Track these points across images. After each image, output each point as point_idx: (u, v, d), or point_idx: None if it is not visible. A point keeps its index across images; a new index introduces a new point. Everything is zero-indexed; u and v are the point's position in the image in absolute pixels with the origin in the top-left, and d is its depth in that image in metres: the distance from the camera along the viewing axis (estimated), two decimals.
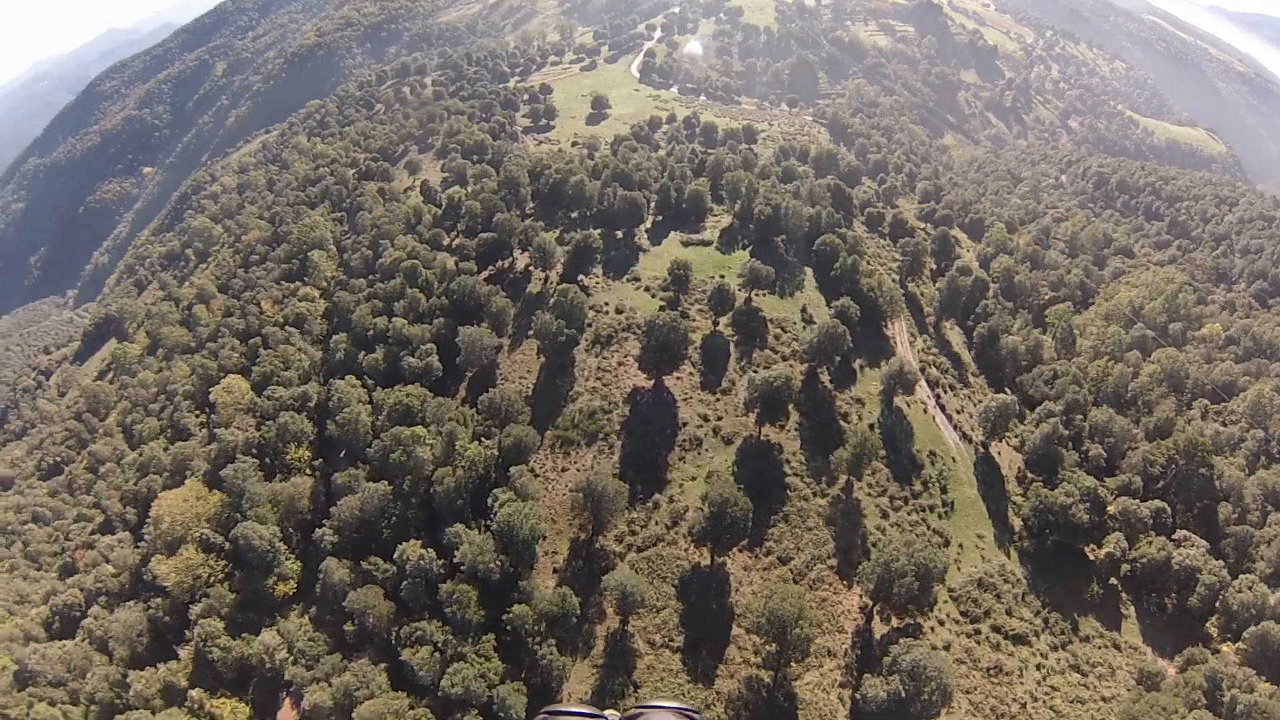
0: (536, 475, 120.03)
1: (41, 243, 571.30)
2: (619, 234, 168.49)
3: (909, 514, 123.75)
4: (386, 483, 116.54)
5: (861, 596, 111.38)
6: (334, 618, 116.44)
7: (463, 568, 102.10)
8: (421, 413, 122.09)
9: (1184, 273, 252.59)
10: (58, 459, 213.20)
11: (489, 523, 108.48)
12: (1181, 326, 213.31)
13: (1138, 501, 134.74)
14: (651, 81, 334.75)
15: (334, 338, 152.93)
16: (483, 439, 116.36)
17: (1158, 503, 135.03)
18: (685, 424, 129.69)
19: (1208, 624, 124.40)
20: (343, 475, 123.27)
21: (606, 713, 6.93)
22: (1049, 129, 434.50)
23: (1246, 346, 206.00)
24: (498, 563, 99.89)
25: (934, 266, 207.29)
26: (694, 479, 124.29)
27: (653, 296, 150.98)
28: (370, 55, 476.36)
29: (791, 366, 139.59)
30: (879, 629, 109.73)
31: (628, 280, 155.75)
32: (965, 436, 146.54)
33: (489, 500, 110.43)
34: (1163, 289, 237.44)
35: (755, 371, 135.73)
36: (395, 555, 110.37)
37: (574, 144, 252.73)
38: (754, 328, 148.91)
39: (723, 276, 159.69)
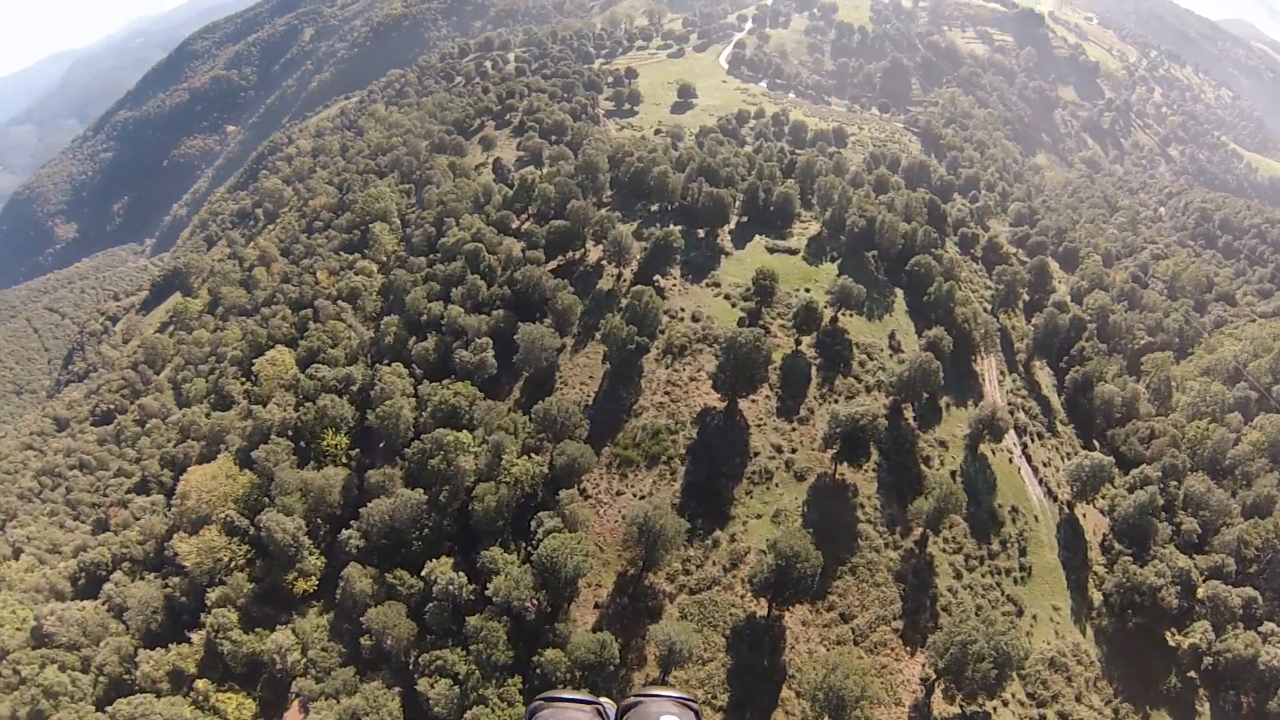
0: (588, 497, 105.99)
1: (126, 192, 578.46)
2: (700, 233, 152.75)
3: (984, 575, 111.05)
4: (422, 490, 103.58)
5: (925, 667, 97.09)
6: (351, 627, 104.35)
7: (495, 600, 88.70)
8: (469, 415, 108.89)
9: None
10: (111, 407, 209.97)
11: (530, 548, 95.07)
12: None
13: (1229, 588, 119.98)
14: (740, 74, 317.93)
15: (385, 319, 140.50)
16: (533, 454, 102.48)
17: (1249, 590, 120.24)
18: (756, 454, 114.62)
19: None
20: (377, 473, 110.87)
21: (601, 699, 6.43)
22: (1147, 155, 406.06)
23: None
24: (534, 602, 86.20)
25: (1026, 298, 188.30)
26: (760, 517, 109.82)
27: (733, 306, 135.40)
28: (455, 29, 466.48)
29: (876, 400, 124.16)
30: (940, 705, 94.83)
31: (707, 285, 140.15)
32: (1050, 493, 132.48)
33: (532, 523, 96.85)
34: (1269, 345, 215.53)
35: (838, 403, 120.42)
36: (423, 571, 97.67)
37: (657, 132, 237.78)
38: (838, 351, 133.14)
39: (808, 290, 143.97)
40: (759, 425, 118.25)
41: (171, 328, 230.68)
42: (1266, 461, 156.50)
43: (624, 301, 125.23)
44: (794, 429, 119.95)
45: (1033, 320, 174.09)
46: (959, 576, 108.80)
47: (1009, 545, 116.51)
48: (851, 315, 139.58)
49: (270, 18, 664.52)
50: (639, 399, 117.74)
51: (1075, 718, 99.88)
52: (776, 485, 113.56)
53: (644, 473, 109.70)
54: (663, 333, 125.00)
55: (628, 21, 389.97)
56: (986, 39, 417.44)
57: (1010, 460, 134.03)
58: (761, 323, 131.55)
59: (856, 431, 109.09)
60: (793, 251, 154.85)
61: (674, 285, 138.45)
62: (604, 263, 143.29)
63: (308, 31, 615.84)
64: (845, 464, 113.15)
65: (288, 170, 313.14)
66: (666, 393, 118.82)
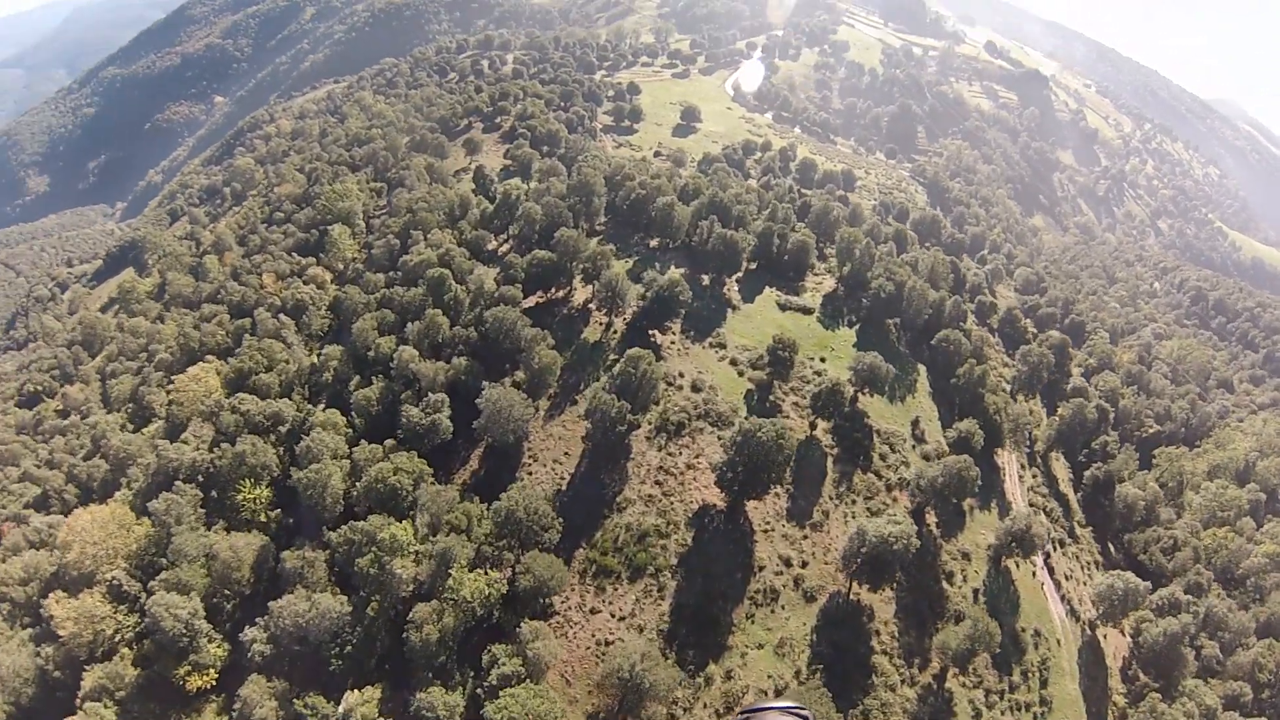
0: (555, 613, 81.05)
1: (104, 150, 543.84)
2: (705, 279, 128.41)
3: (1003, 713, 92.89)
4: (346, 598, 77.85)
5: None
6: None
7: None
8: (410, 500, 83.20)
9: None
10: (39, 388, 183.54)
11: (480, 687, 70.12)
12: None
13: None
14: (745, 102, 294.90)
15: (327, 350, 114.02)
16: (489, 567, 77.09)
17: None
18: (761, 568, 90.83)
19: None
20: (294, 555, 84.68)
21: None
22: (1138, 226, 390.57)
23: None
24: None
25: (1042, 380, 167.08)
26: (761, 647, 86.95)
27: (740, 374, 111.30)
28: (457, 24, 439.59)
29: (898, 501, 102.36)
30: None
31: (710, 345, 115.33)
32: (1073, 611, 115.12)
33: (484, 657, 71.76)
34: (1277, 443, 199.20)
35: (857, 509, 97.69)
36: (342, 708, 72.18)
37: (657, 154, 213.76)
38: (858, 440, 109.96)
39: (824, 360, 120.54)
40: (765, 530, 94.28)
41: (116, 308, 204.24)
42: None
43: (613, 362, 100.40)
44: (805, 536, 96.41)
45: (1058, 410, 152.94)
46: (978, 716, 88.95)
47: (1030, 676, 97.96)
48: (873, 395, 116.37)
49: None
50: (624, 488, 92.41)
51: None
52: (783, 607, 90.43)
53: (625, 586, 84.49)
54: (657, 404, 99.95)
55: (633, 37, 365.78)
56: (992, 95, 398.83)
57: (1034, 574, 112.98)
58: (773, 398, 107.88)
59: (886, 556, 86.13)
60: (807, 310, 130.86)
61: (673, 343, 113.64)
62: (592, 306, 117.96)
63: (309, 10, 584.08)
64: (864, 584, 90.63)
65: (263, 150, 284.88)
66: (658, 482, 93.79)
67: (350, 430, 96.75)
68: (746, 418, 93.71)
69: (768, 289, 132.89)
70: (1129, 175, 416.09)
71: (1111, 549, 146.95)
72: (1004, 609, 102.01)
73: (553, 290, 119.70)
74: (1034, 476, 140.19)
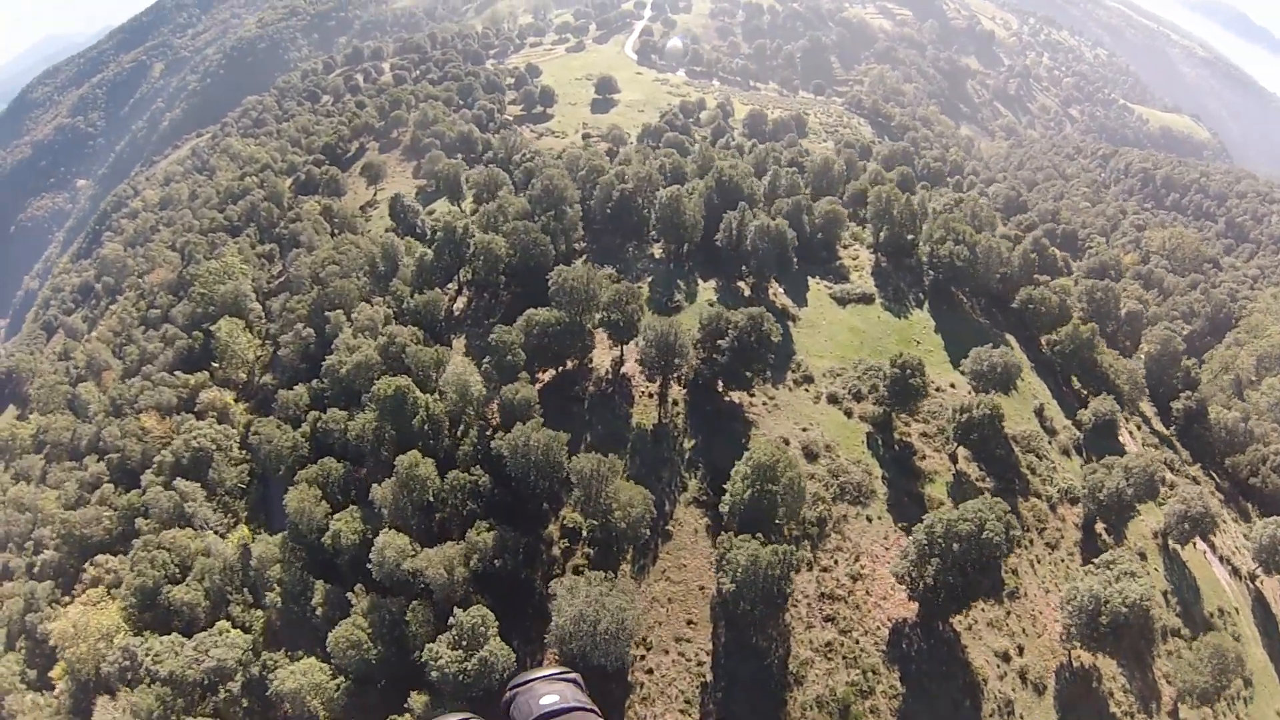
0: None
1: None
2: (743, 287, 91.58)
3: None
4: None
5: None
6: None
7: None
8: None
9: None
10: None
11: None
12: None
13: None
14: (652, 64, 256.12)
15: (260, 546, 72.02)
16: None
17: None
18: (985, 679, 58.23)
19: None
20: None
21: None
22: (1054, 118, 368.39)
23: None
24: None
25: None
26: None
27: (848, 415, 75.52)
28: (318, 46, 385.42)
29: (1066, 517, 69.90)
30: None
31: (795, 382, 78.33)
32: (1234, 570, 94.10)
33: None
34: None
35: (1082, 580, 64.38)
36: None
37: (586, 135, 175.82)
38: (1002, 458, 76.20)
39: (919, 361, 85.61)
40: (969, 627, 59.69)
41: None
42: None
43: (690, 452, 62.87)
44: (1009, 613, 63.00)
45: (1142, 347, 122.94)
46: None
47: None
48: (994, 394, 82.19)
49: (116, 55, 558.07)
50: (790, 644, 56.17)
51: None
52: (1020, 717, 56.29)
53: None
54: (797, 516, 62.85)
55: (511, 20, 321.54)
56: (888, 14, 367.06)
57: (1195, 543, 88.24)
58: (900, 435, 72.89)
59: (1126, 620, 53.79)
60: (868, 299, 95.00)
61: (755, 401, 75.88)
62: (629, 371, 78.22)
63: (157, 67, 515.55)
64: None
65: (131, 230, 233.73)
66: (829, 618, 58.39)
67: (345, 681, 56.87)
68: (938, 509, 58.43)
69: (810, 280, 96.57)
70: (1031, 70, 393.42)
71: (1215, 477, 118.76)
72: (1188, 598, 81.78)
73: (564, 363, 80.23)
74: (1137, 426, 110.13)
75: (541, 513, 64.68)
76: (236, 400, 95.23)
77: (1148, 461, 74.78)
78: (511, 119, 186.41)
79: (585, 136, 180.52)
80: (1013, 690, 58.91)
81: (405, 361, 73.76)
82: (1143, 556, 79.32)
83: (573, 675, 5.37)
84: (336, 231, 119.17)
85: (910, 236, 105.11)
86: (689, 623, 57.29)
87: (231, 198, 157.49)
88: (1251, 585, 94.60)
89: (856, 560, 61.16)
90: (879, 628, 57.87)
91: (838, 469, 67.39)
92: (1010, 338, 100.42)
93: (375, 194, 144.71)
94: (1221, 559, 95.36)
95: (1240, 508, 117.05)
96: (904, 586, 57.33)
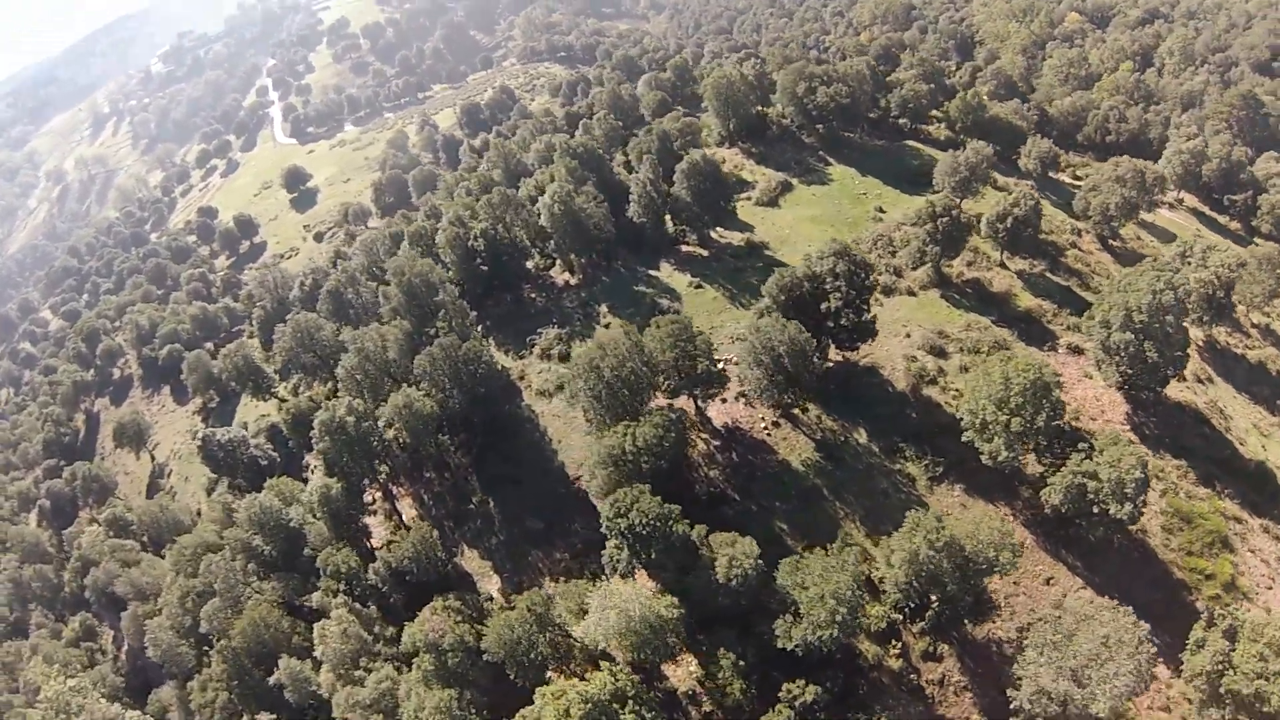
0: None
1: None
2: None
3: None
4: None
5: None
6: None
7: None
8: None
9: None
10: None
11: None
12: None
13: None
14: (312, 135, 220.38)
15: None
16: None
17: None
18: None
19: None
20: None
21: None
22: None
23: None
24: None
25: None
26: None
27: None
28: None
29: None
30: None
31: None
32: None
33: None
34: None
35: None
36: None
37: (318, 235, 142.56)
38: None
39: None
40: None
41: None
42: None
43: None
44: None
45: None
46: None
47: None
48: None
49: None
50: None
51: None
52: None
53: None
54: None
55: (139, 185, 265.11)
56: None
57: None
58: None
59: None
60: (786, 187, 74.30)
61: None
62: (736, 420, 54.79)
63: None
64: None
65: None
66: None
67: None
68: None
69: (738, 206, 74.50)
70: None
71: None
72: None
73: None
74: None
75: None
76: None
77: None
78: (222, 277, 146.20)
79: (318, 236, 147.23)
80: None
81: None
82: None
83: None
84: None
85: (759, 109, 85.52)
86: None
87: None
88: None
89: None
90: None
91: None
92: (917, 145, 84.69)
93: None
94: None
95: None
96: None
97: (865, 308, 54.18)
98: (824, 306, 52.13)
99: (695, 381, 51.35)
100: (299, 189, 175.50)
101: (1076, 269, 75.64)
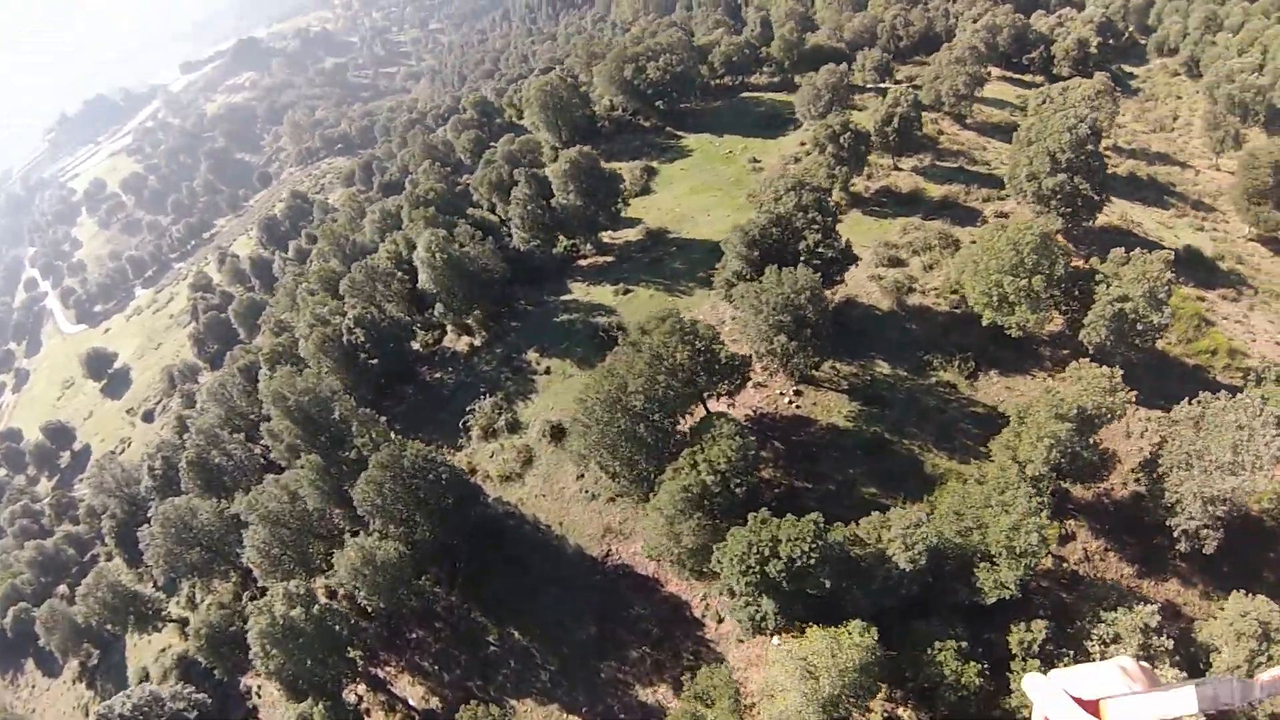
0: None
1: None
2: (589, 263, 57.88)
3: None
4: None
5: None
6: None
7: None
8: None
9: None
10: None
11: None
12: None
13: None
14: (98, 316, 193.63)
15: None
16: None
17: None
18: None
19: None
20: None
21: None
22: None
23: None
24: None
25: None
26: None
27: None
28: None
29: None
30: None
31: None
32: None
33: None
34: None
35: None
36: None
37: (183, 414, 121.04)
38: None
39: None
40: None
41: None
42: None
43: None
44: None
45: None
46: None
47: None
48: None
49: None
50: None
51: None
52: None
53: None
54: None
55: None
56: (235, 89, 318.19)
57: None
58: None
59: None
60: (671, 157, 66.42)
61: None
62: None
63: None
64: None
65: None
66: None
67: None
68: None
69: (636, 201, 65.42)
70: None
71: None
72: None
73: None
74: None
75: None
76: None
77: None
78: (53, 490, 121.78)
79: (146, 416, 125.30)
80: None
81: None
82: None
83: None
84: None
85: (586, 110, 77.85)
86: None
87: None
88: None
89: None
90: None
91: None
92: (753, 94, 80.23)
93: None
94: None
95: None
96: None
97: (837, 234, 47.90)
98: (802, 245, 45.38)
99: (724, 373, 43.28)
100: (106, 374, 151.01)
101: (956, 150, 76.30)
